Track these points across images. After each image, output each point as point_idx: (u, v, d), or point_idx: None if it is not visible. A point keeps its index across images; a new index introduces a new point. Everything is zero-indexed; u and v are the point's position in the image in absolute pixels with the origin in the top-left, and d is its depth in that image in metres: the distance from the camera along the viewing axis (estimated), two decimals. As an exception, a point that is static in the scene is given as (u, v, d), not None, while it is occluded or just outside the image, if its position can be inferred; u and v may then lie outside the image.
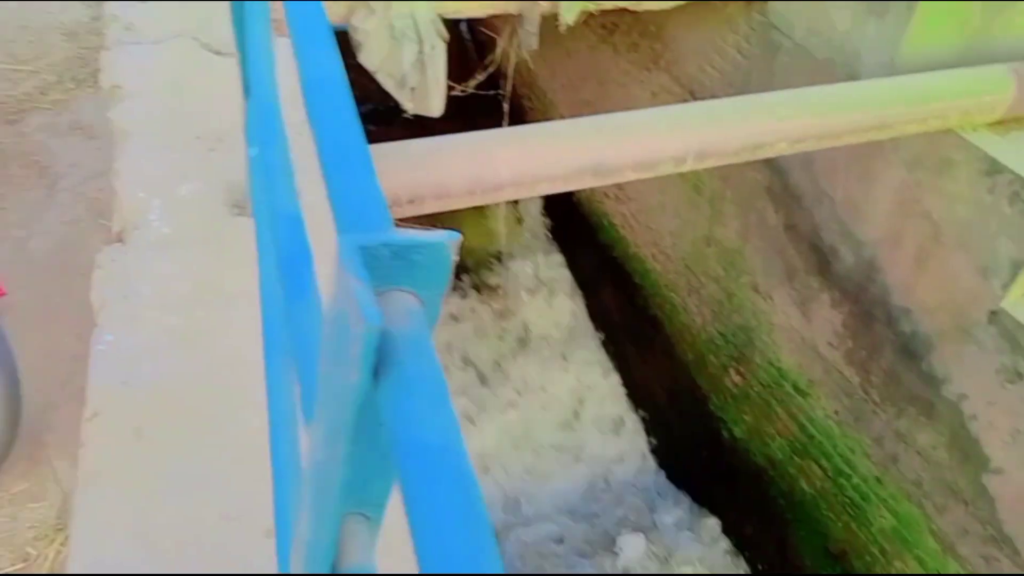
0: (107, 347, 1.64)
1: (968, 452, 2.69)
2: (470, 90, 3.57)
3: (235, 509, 1.41)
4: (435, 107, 2.91)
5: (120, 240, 1.88)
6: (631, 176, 1.88)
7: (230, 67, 1.81)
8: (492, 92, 4.10)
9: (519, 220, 5.83)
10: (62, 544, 2.49)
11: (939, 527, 2.90)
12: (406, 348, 0.52)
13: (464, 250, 5.70)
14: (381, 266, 0.53)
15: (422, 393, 0.51)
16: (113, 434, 1.49)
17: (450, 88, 3.16)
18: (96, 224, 3.50)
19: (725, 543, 4.07)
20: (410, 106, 2.89)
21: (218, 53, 2.51)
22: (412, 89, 2.86)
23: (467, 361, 5.03)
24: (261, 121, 1.37)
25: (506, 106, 4.16)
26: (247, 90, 1.64)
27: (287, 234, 1.05)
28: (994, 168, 2.41)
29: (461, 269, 5.61)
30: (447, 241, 0.53)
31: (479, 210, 5.68)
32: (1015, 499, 2.59)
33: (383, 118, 3.90)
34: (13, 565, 2.44)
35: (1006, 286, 2.45)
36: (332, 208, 0.70)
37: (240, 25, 1.56)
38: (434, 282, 0.55)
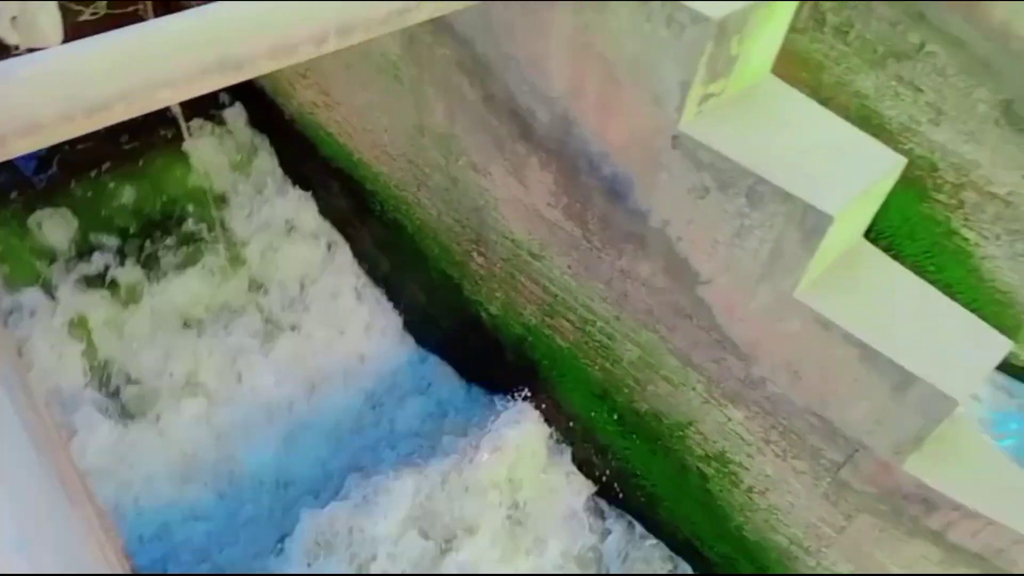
0: None
1: (681, 271, 2.90)
2: (103, 11, 3.05)
3: None
4: (51, 35, 2.44)
5: None
6: (267, 66, 1.66)
7: None
8: (134, 8, 3.55)
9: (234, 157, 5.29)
10: None
11: (674, 345, 3.16)
12: None
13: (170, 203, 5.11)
14: None
15: None
16: None
17: (76, 12, 2.67)
18: None
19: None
20: (16, 39, 2.39)
21: None
22: (13, 19, 2.36)
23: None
24: None
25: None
26: None
27: None
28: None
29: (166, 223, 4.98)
30: None
31: (177, 153, 5.05)
32: (726, 303, 2.85)
33: None
34: None
35: (679, 109, 2.58)
36: None
37: None
38: None
